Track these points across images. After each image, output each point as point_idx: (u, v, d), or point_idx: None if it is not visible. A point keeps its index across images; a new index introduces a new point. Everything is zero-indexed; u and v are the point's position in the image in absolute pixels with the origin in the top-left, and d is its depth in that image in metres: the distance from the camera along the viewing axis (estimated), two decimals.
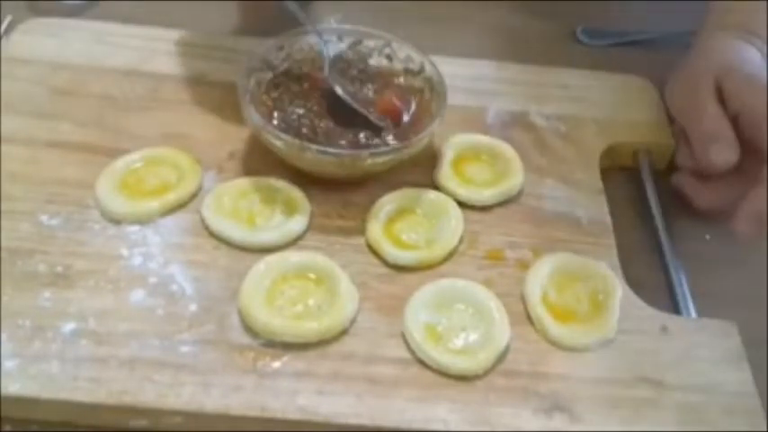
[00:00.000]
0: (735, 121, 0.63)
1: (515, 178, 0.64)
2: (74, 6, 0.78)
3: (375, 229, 0.59)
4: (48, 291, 0.54)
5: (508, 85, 0.73)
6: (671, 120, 0.70)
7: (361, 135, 0.61)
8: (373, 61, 0.67)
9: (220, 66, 0.70)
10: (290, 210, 0.60)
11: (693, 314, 0.59)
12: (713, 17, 0.71)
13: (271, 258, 0.56)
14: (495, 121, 0.70)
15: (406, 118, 0.63)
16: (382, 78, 0.66)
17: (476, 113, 0.70)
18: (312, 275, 0.56)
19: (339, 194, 0.62)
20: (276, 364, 0.51)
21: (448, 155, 0.65)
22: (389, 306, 0.55)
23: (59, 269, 0.55)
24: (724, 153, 0.61)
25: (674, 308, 0.60)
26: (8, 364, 0.50)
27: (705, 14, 0.72)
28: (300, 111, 0.62)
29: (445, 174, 0.64)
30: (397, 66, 0.67)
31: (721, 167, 0.61)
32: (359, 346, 0.53)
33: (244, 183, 0.61)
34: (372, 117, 0.62)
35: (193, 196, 0.60)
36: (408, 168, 0.63)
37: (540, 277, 0.57)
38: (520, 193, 0.64)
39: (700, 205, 0.65)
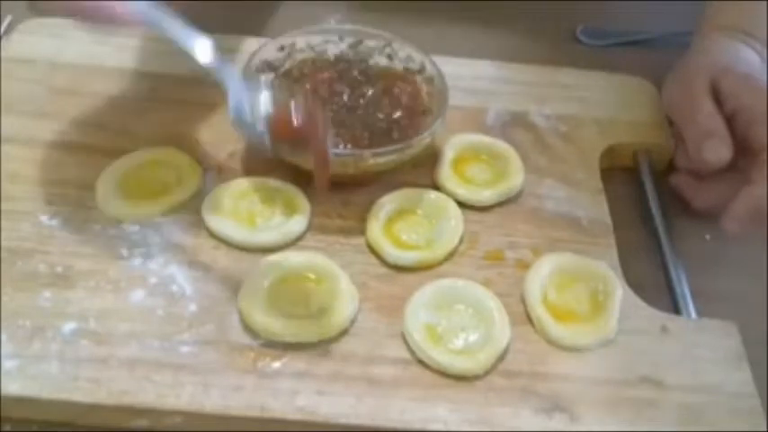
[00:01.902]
0: (730, 120, 0.63)
1: (515, 178, 0.64)
2: None
3: (375, 229, 0.59)
4: (48, 291, 0.54)
5: (508, 85, 0.73)
6: (671, 120, 0.70)
7: (365, 135, 0.61)
8: (374, 61, 0.67)
9: None
10: (290, 210, 0.60)
11: (693, 314, 0.59)
12: (710, 18, 0.72)
13: (271, 258, 0.56)
14: (495, 121, 0.70)
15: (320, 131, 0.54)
16: (383, 79, 0.66)
17: (476, 113, 0.70)
18: (312, 275, 0.56)
19: (339, 194, 0.62)
20: (276, 364, 0.51)
21: (448, 155, 0.65)
22: (389, 306, 0.55)
23: (59, 269, 0.55)
24: (717, 150, 0.61)
25: (674, 308, 0.60)
26: (8, 364, 0.50)
27: (703, 15, 0.72)
28: None
29: (445, 174, 0.64)
30: (398, 65, 0.67)
31: (715, 165, 0.62)
32: (359, 346, 0.53)
33: (244, 183, 0.61)
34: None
35: (193, 197, 0.60)
36: (408, 168, 0.63)
37: (540, 277, 0.57)
38: (520, 193, 0.64)
39: (697, 205, 0.65)
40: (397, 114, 0.63)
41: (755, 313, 0.60)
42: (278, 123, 0.51)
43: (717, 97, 0.64)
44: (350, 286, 0.55)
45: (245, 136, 0.51)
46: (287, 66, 0.66)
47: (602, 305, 0.56)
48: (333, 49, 0.67)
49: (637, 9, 0.88)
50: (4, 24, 0.74)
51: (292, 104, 0.52)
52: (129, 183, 0.60)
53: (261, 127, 0.51)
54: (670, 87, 0.70)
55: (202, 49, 0.50)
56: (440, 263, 0.58)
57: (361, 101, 0.64)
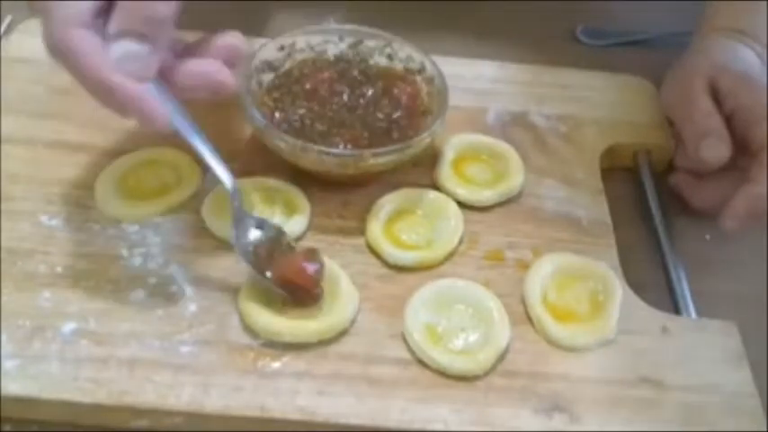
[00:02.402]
0: (729, 119, 0.63)
1: (515, 178, 0.64)
2: None
3: (375, 229, 0.59)
4: (48, 291, 0.54)
5: (508, 85, 0.73)
6: (671, 121, 0.70)
7: (365, 135, 0.61)
8: (374, 61, 0.67)
9: None
10: (289, 210, 0.60)
11: (693, 314, 0.59)
12: (709, 18, 0.72)
13: None
14: (495, 121, 0.70)
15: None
16: (383, 79, 0.66)
17: (476, 113, 0.70)
18: None
19: (339, 194, 0.62)
20: (276, 365, 0.51)
21: (448, 155, 0.65)
22: (389, 306, 0.55)
23: (59, 269, 0.55)
24: (715, 149, 0.61)
25: (674, 308, 0.60)
26: (8, 364, 0.50)
27: (702, 15, 0.72)
28: (302, 111, 0.62)
29: (445, 174, 0.64)
30: (398, 65, 0.67)
31: (713, 163, 0.62)
32: (359, 346, 0.53)
33: (244, 183, 0.61)
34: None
35: (193, 197, 0.60)
36: (408, 168, 0.63)
37: (540, 277, 0.57)
38: (520, 193, 0.64)
39: (696, 204, 0.65)
40: (397, 114, 0.63)
41: (755, 313, 0.60)
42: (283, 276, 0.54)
43: (715, 96, 0.64)
44: (350, 286, 0.55)
45: (247, 263, 0.54)
46: (287, 66, 0.66)
47: (602, 305, 0.56)
48: (333, 49, 0.67)
49: (637, 9, 0.88)
50: (4, 24, 0.74)
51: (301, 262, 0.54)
52: (128, 183, 0.60)
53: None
54: (668, 87, 0.71)
55: (226, 176, 0.55)
56: (440, 263, 0.58)
57: (361, 101, 0.64)
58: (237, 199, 0.55)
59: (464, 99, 0.70)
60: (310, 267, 0.54)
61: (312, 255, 0.55)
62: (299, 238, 0.59)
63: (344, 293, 0.54)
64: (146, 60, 0.48)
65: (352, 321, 0.54)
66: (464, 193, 0.63)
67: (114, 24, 0.47)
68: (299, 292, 0.54)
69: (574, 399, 0.52)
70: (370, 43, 0.67)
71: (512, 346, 0.54)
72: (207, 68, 0.51)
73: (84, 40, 0.46)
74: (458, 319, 0.55)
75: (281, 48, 0.66)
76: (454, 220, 0.60)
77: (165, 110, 0.49)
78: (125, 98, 0.47)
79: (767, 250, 0.64)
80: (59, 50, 0.47)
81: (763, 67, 0.68)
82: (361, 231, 0.60)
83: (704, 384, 0.54)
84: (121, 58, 0.47)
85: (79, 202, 0.59)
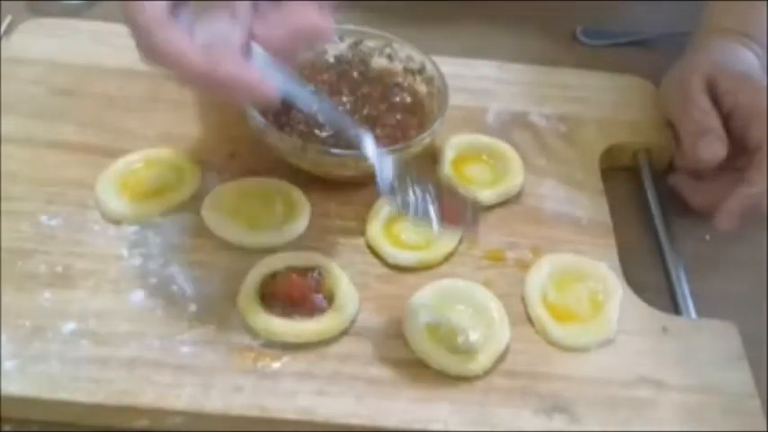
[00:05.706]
0: (727, 118, 0.63)
1: (515, 178, 0.64)
2: (74, 6, 0.78)
3: (375, 229, 0.59)
4: (48, 291, 0.54)
5: (508, 85, 0.73)
6: (670, 122, 0.70)
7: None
8: (374, 62, 0.67)
9: None
10: (289, 210, 0.60)
11: (693, 314, 0.59)
12: (708, 20, 0.72)
13: (271, 258, 0.56)
14: (495, 121, 0.70)
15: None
16: (383, 80, 0.66)
17: (476, 113, 0.70)
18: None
19: (339, 194, 0.62)
20: (276, 365, 0.51)
21: (448, 155, 0.65)
22: (389, 306, 0.55)
23: (59, 269, 0.55)
24: (712, 147, 0.61)
25: (674, 308, 0.60)
26: (8, 364, 0.50)
27: (701, 16, 0.72)
28: (302, 111, 0.62)
29: (445, 174, 0.63)
30: (398, 66, 0.67)
31: (710, 162, 0.62)
32: (359, 346, 0.53)
33: (244, 183, 0.61)
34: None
35: (193, 197, 0.60)
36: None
37: (540, 277, 0.57)
38: (520, 193, 0.64)
39: (695, 204, 0.65)
40: (397, 114, 0.63)
41: (755, 313, 0.60)
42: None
43: (713, 96, 0.65)
44: (350, 286, 0.55)
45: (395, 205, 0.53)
46: None
47: (602, 305, 0.56)
48: (333, 50, 0.67)
49: (637, 9, 0.88)
50: (4, 24, 0.74)
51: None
52: (128, 183, 0.60)
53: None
54: (666, 86, 0.71)
55: (366, 142, 0.53)
56: (440, 263, 0.58)
57: (361, 101, 0.64)
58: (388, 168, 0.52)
59: (464, 99, 0.70)
60: (317, 298, 0.54)
61: (315, 283, 0.55)
62: (299, 238, 0.59)
63: (344, 293, 0.54)
64: (231, 34, 0.46)
65: (353, 321, 0.54)
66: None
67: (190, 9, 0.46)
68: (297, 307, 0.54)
69: (574, 399, 0.52)
70: (370, 43, 0.67)
71: (512, 346, 0.54)
72: (301, 21, 0.48)
73: (171, 43, 0.45)
74: (458, 319, 0.55)
75: None
76: None
77: (268, 80, 0.47)
78: (228, 85, 0.46)
79: (767, 250, 0.64)
80: (152, 59, 0.46)
81: (762, 67, 0.68)
82: (361, 231, 0.60)
83: (704, 384, 0.54)
84: (207, 41, 0.46)
85: (79, 202, 0.59)
